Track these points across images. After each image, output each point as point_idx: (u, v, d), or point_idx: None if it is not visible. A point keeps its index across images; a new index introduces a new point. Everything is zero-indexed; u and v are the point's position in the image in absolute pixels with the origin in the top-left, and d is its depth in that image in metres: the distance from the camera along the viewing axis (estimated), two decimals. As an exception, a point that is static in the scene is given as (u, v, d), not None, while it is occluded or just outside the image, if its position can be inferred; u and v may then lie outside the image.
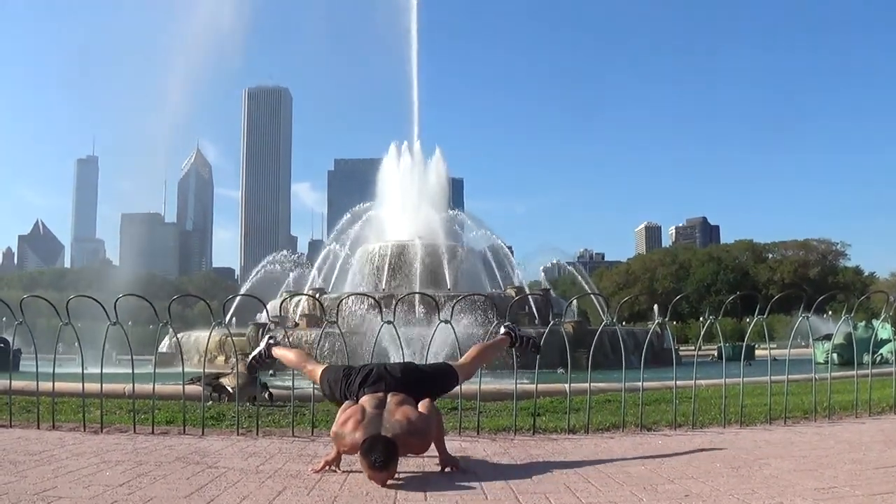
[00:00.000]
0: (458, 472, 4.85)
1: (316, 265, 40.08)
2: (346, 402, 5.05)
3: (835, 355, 16.33)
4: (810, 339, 10.81)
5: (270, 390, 10.12)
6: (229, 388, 9.55)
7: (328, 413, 6.45)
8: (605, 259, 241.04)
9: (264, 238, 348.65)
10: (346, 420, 4.81)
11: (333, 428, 4.85)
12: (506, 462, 5.41)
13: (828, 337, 23.36)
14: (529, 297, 31.47)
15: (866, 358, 16.27)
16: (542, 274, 45.86)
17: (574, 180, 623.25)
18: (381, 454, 4.47)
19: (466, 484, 4.52)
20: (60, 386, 8.73)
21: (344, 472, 4.85)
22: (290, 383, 7.97)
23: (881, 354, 24.10)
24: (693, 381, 8.25)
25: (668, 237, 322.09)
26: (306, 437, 6.36)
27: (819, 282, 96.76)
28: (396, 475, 4.69)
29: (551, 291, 38.77)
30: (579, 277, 49.22)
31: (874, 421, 7.66)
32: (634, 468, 5.05)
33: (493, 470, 5.02)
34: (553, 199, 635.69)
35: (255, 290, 35.95)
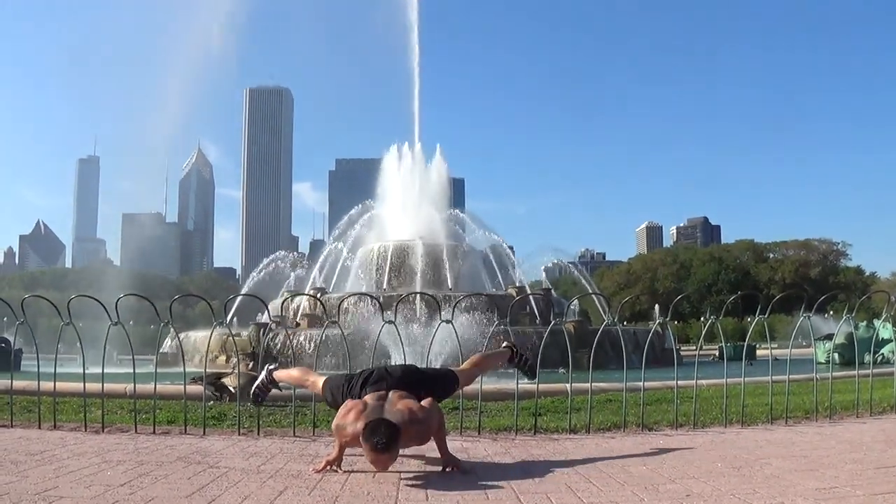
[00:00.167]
0: (460, 471, 4.85)
1: (317, 265, 40.09)
2: (348, 400, 5.06)
3: (836, 355, 16.33)
4: (811, 339, 10.79)
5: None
6: (231, 388, 9.55)
7: (329, 413, 6.45)
8: (607, 259, 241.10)
9: (265, 238, 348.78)
10: (348, 412, 4.84)
11: (335, 421, 4.87)
12: (507, 462, 5.42)
13: (829, 337, 23.41)
14: (530, 297, 31.48)
15: (867, 358, 16.26)
16: (543, 274, 45.85)
17: (575, 180, 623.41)
18: (383, 436, 4.51)
19: (468, 484, 4.52)
20: (62, 386, 8.74)
21: (345, 471, 4.85)
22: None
23: (882, 354, 24.11)
24: (694, 381, 8.26)
25: (669, 237, 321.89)
26: (308, 437, 6.37)
27: (820, 282, 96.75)
28: (398, 476, 4.69)
29: (552, 291, 38.78)
30: (580, 277, 49.20)
31: (875, 421, 7.66)
32: (636, 468, 5.05)
33: (495, 470, 5.02)
34: (554, 198, 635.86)
35: (256, 290, 35.96)
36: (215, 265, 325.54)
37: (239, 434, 6.84)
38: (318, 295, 28.89)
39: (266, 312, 11.66)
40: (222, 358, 26.05)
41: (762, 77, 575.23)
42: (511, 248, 42.22)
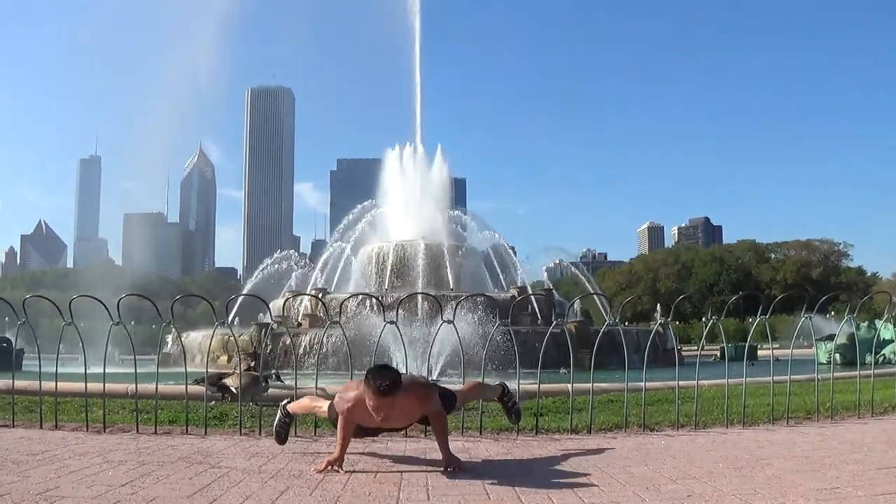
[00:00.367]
0: (461, 471, 4.86)
1: (318, 265, 40.07)
2: None
3: (837, 355, 16.29)
4: (813, 340, 10.82)
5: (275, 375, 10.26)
6: (233, 389, 9.56)
7: (327, 397, 6.45)
8: (608, 259, 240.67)
9: (267, 238, 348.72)
10: (348, 387, 5.05)
11: (336, 396, 5.01)
12: (509, 462, 5.42)
13: (830, 337, 23.37)
14: (532, 297, 31.47)
15: (869, 358, 16.28)
16: (545, 274, 45.83)
17: (576, 180, 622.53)
18: (386, 379, 4.63)
19: (469, 484, 4.52)
20: (63, 386, 8.76)
21: (347, 472, 4.85)
22: (291, 383, 7.98)
23: (884, 355, 24.09)
24: (696, 382, 8.25)
25: (670, 237, 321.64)
26: (309, 438, 6.37)
27: (822, 282, 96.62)
28: (399, 476, 4.69)
29: (554, 292, 38.73)
30: (582, 278, 49.18)
31: (877, 421, 7.66)
32: (637, 468, 5.05)
33: (496, 470, 5.02)
34: (556, 199, 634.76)
35: (257, 290, 35.96)
36: (217, 265, 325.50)
37: (240, 434, 6.85)
38: (320, 295, 28.88)
39: (267, 313, 11.66)
40: (224, 358, 26.04)
41: (763, 77, 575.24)
42: (513, 248, 42.19)
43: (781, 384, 8.27)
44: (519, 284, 36.19)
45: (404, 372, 5.26)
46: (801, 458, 5.40)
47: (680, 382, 8.20)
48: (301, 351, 25.02)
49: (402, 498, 4.16)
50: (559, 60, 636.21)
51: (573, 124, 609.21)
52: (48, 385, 7.75)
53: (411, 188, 44.07)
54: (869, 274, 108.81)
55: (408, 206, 42.97)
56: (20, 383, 8.57)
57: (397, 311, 7.64)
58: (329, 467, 4.87)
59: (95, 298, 7.53)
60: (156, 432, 6.89)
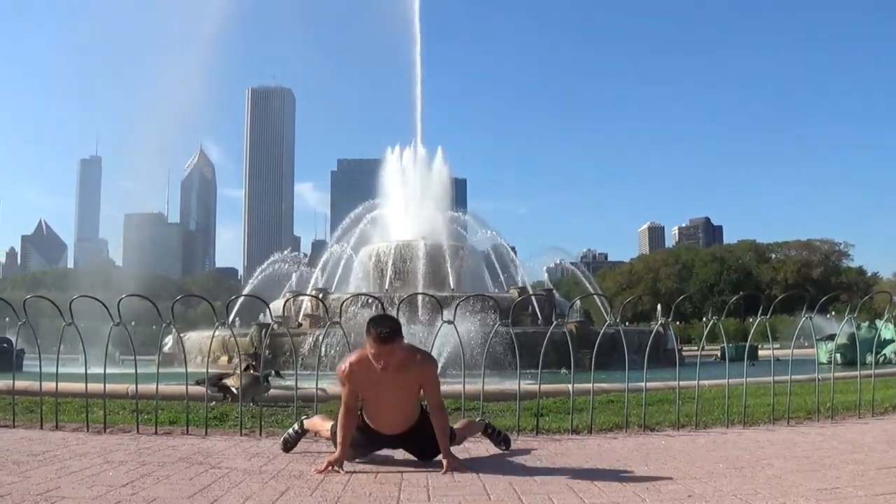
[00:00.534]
0: (462, 472, 4.86)
1: (319, 265, 40.05)
2: None
3: (838, 355, 16.29)
4: (813, 340, 10.82)
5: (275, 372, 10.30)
6: (233, 389, 9.56)
7: (331, 414, 6.46)
8: (609, 259, 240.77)
9: (267, 238, 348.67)
10: (347, 357, 5.22)
11: (337, 370, 5.15)
12: (509, 462, 5.42)
13: (831, 337, 23.35)
14: (532, 297, 31.45)
15: (869, 358, 16.27)
16: (545, 274, 45.80)
17: (577, 180, 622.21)
18: (387, 326, 4.83)
19: (470, 484, 4.52)
20: (63, 386, 8.76)
21: (347, 472, 4.86)
22: (292, 383, 7.98)
23: (884, 355, 24.08)
24: (696, 382, 8.25)
25: (671, 237, 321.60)
26: (310, 438, 6.36)
27: (822, 282, 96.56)
28: (399, 476, 4.69)
29: (554, 292, 38.72)
30: (582, 278, 49.12)
31: (877, 421, 7.66)
32: (638, 468, 5.06)
33: (497, 470, 5.02)
34: (556, 199, 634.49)
35: (258, 291, 35.95)
36: (217, 265, 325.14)
37: (241, 435, 6.85)
38: (320, 295, 28.87)
39: (268, 313, 11.65)
40: (224, 358, 26.04)
41: (763, 77, 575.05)
42: (513, 248, 42.22)
43: (782, 384, 8.27)
44: (519, 285, 36.17)
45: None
46: (801, 459, 5.40)
47: (680, 383, 8.20)
48: (306, 350, 25.00)
49: (402, 498, 4.16)
50: (559, 60, 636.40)
51: (573, 124, 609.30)
52: (49, 385, 7.76)
53: (412, 188, 44.05)
54: (869, 274, 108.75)
55: (408, 207, 42.95)
56: (21, 384, 8.57)
57: (398, 311, 7.63)
58: (330, 468, 4.87)
59: (96, 299, 7.54)
60: (156, 433, 6.89)
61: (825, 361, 20.27)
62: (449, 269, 35.28)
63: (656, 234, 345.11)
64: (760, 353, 31.21)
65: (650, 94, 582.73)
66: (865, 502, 3.94)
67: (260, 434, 6.85)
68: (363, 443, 5.30)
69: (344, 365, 5.12)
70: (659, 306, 75.26)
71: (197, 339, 28.44)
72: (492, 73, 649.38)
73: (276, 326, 24.48)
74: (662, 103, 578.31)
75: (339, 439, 5.09)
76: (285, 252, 47.52)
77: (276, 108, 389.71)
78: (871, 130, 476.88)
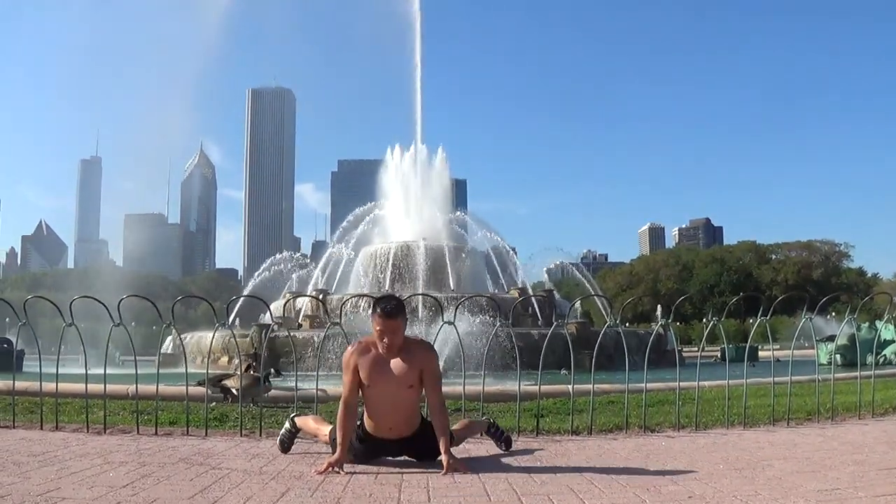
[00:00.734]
0: (462, 473, 4.86)
1: (319, 266, 40.04)
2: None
3: (838, 356, 16.31)
4: (813, 341, 10.82)
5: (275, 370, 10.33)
6: (233, 390, 9.56)
7: (331, 415, 6.46)
8: (609, 260, 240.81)
9: (268, 239, 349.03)
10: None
11: (344, 357, 5.24)
12: (509, 463, 5.42)
13: (831, 338, 23.35)
14: (533, 298, 31.45)
15: (869, 359, 16.26)
16: (546, 275, 45.76)
17: (577, 181, 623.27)
18: (391, 302, 5.00)
19: (470, 485, 4.52)
20: (64, 387, 8.76)
21: (347, 473, 4.85)
22: (292, 384, 7.98)
23: (884, 355, 24.08)
24: (696, 383, 8.25)
25: (671, 238, 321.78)
26: (310, 439, 6.36)
27: (822, 283, 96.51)
28: (400, 476, 4.69)
29: (555, 293, 38.68)
30: (583, 279, 49.09)
31: (877, 422, 7.66)
32: (638, 469, 5.06)
33: (497, 471, 5.02)
34: (556, 199, 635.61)
35: (258, 291, 35.98)
36: (217, 266, 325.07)
37: (241, 435, 6.85)
38: (320, 296, 28.88)
39: (268, 313, 11.66)
40: (224, 359, 26.05)
41: (764, 77, 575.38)
42: (513, 249, 42.20)
43: (782, 385, 8.27)
44: (520, 285, 36.18)
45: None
46: (801, 460, 5.40)
47: (681, 384, 8.19)
48: (307, 352, 24.99)
49: (402, 499, 4.16)
50: (559, 60, 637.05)
51: (573, 124, 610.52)
52: (49, 386, 7.75)
53: (412, 189, 44.05)
54: (870, 275, 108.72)
55: (408, 207, 42.96)
56: (21, 384, 8.58)
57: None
58: (330, 469, 4.87)
59: (96, 299, 7.54)
60: (156, 433, 6.89)
61: (825, 362, 20.27)
62: (449, 270, 35.27)
63: (656, 234, 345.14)
64: (761, 354, 31.22)
65: (650, 94, 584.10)
66: (865, 503, 3.94)
67: (260, 435, 6.85)
68: (362, 452, 5.30)
69: (350, 347, 5.25)
70: (659, 307, 75.10)
71: (197, 339, 28.44)
72: (492, 73, 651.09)
73: (275, 327, 24.53)
74: (662, 103, 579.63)
75: (338, 440, 5.09)
76: (285, 253, 47.46)
77: (277, 108, 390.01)
78: (871, 131, 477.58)
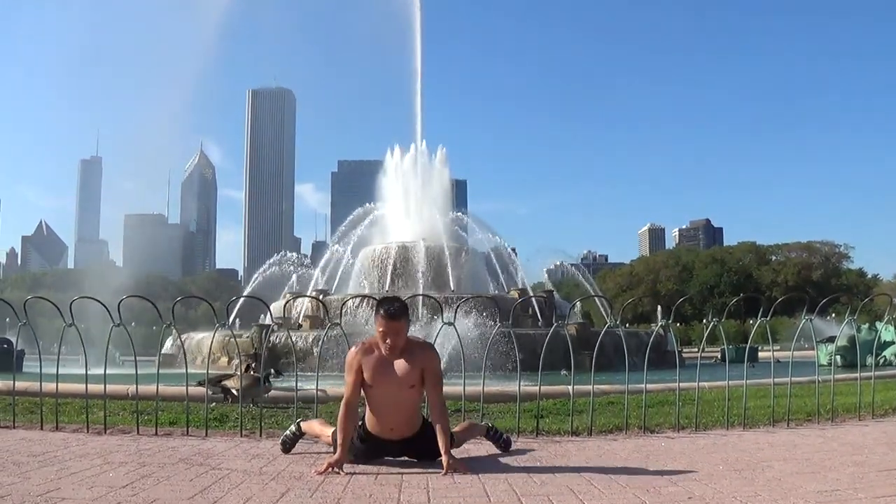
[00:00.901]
0: (462, 473, 4.86)
1: (319, 266, 40.04)
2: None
3: (838, 357, 16.31)
4: (813, 342, 10.82)
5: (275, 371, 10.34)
6: (233, 391, 9.56)
7: (331, 415, 6.47)
8: (609, 261, 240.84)
9: (268, 239, 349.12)
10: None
11: (346, 358, 5.29)
12: (509, 464, 5.42)
13: (831, 339, 23.36)
14: (533, 299, 31.44)
15: (869, 360, 16.27)
16: (546, 276, 45.76)
17: (577, 182, 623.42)
18: (394, 303, 5.03)
19: (470, 485, 4.52)
20: (64, 387, 8.75)
21: (347, 473, 4.86)
22: (291, 383, 7.99)
23: (884, 356, 24.08)
24: (696, 384, 8.25)
25: (671, 239, 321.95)
26: (310, 440, 6.36)
27: (822, 284, 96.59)
28: (400, 477, 4.69)
29: (555, 293, 38.68)
30: (583, 279, 49.11)
31: (877, 423, 7.66)
32: (637, 470, 5.06)
33: (497, 471, 5.02)
34: (556, 200, 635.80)
35: (258, 292, 35.95)
36: (217, 266, 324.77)
37: (241, 436, 6.85)
38: (320, 297, 28.88)
39: (268, 314, 11.65)
40: (224, 359, 26.04)
41: (764, 78, 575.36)
42: (513, 249, 42.14)
43: (782, 386, 8.28)
44: (520, 286, 36.17)
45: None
46: (801, 461, 5.40)
47: (680, 384, 8.20)
48: (306, 351, 24.99)
49: (402, 499, 4.16)
50: (559, 60, 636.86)
51: (573, 124, 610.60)
52: (49, 386, 7.76)
53: (412, 190, 44.03)
54: (870, 276, 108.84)
55: (408, 208, 42.95)
56: (21, 384, 8.58)
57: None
58: (330, 469, 4.88)
59: (96, 300, 7.54)
60: (156, 434, 6.89)
61: (825, 363, 20.26)
62: (449, 271, 35.27)
63: (656, 235, 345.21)
64: (760, 354, 31.25)
65: (650, 94, 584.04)
66: (865, 504, 3.95)
67: (260, 435, 6.85)
68: (363, 452, 5.33)
69: (354, 347, 5.27)
70: (659, 308, 75.16)
71: (198, 340, 28.44)
72: (492, 73, 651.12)
73: (275, 328, 24.52)
74: (662, 103, 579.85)
75: (338, 440, 5.10)
76: (285, 253, 47.46)
77: (277, 109, 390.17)
78: (871, 131, 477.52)
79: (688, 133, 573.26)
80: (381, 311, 5.04)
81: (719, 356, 29.38)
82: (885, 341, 24.48)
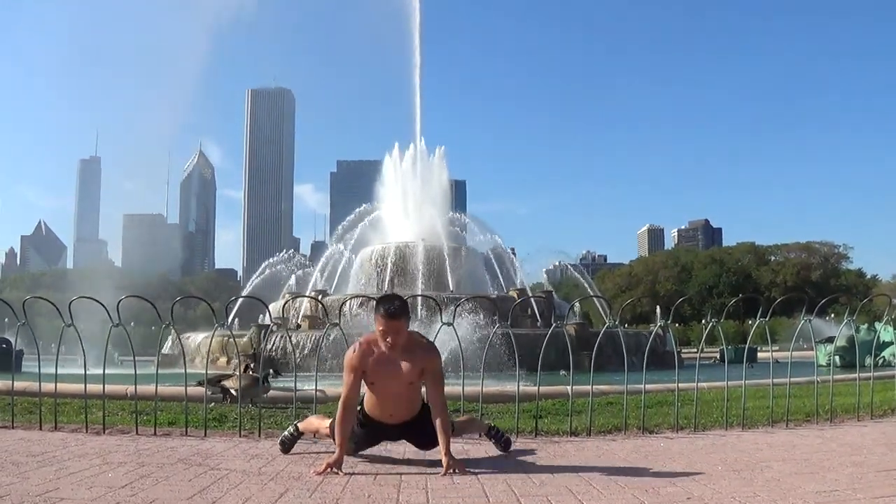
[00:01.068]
0: (461, 474, 4.86)
1: (318, 267, 40.06)
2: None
3: (837, 358, 16.30)
4: (812, 342, 10.81)
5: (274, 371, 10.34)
6: (232, 391, 9.56)
7: (330, 416, 6.46)
8: (608, 261, 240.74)
9: (267, 239, 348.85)
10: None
11: (346, 356, 5.26)
12: (508, 464, 5.42)
13: (830, 339, 23.38)
14: (532, 299, 31.44)
15: (868, 360, 16.30)
16: (545, 276, 45.85)
17: (577, 182, 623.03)
18: (396, 303, 5.00)
19: (468, 486, 4.52)
20: (63, 387, 8.75)
21: (346, 474, 4.86)
22: (291, 384, 7.98)
23: (883, 357, 24.10)
24: (695, 384, 8.26)
25: (670, 239, 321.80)
26: (309, 440, 6.36)
27: (821, 284, 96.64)
28: (399, 478, 4.69)
29: (554, 294, 38.70)
30: (582, 280, 49.13)
31: (876, 424, 7.67)
32: (636, 471, 5.06)
33: (496, 472, 5.02)
34: (555, 200, 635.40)
35: (257, 292, 35.95)
36: (216, 266, 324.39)
37: (240, 436, 6.85)
38: (319, 297, 28.87)
39: (267, 314, 11.64)
40: (223, 359, 26.04)
41: (763, 78, 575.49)
42: (512, 249, 42.16)
43: (781, 387, 8.27)
44: (519, 286, 36.18)
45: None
46: (800, 461, 5.40)
47: (679, 385, 8.20)
48: (305, 352, 24.99)
49: (401, 500, 4.16)
50: (559, 60, 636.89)
51: (573, 124, 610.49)
52: (48, 386, 7.75)
53: (411, 190, 44.05)
54: (869, 276, 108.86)
55: (407, 208, 42.97)
56: (20, 384, 8.56)
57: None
58: (328, 469, 4.88)
59: (95, 300, 7.53)
60: (155, 434, 6.89)
61: (824, 364, 20.29)
62: (448, 271, 35.27)
63: (655, 236, 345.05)
64: (759, 355, 31.21)
65: (650, 94, 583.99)
66: (864, 505, 3.95)
67: (259, 435, 6.85)
68: (363, 437, 5.39)
69: (353, 346, 5.25)
70: (658, 308, 75.15)
71: (197, 340, 28.44)
72: (492, 73, 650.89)
73: (274, 328, 24.52)
74: (662, 103, 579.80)
75: (337, 440, 5.10)
76: (284, 253, 47.46)
77: (276, 109, 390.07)
78: (871, 132, 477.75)
79: (687, 133, 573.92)
80: (381, 310, 5.02)
81: (718, 356, 29.41)
82: (883, 342, 24.49)
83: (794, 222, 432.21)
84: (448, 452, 5.02)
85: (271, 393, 10.08)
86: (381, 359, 5.14)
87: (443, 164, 46.11)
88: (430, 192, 44.07)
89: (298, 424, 5.92)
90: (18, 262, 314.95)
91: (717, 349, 30.58)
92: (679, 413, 7.45)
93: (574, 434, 7.00)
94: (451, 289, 33.66)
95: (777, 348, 11.13)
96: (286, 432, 5.91)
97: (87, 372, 7.42)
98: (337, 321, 7.69)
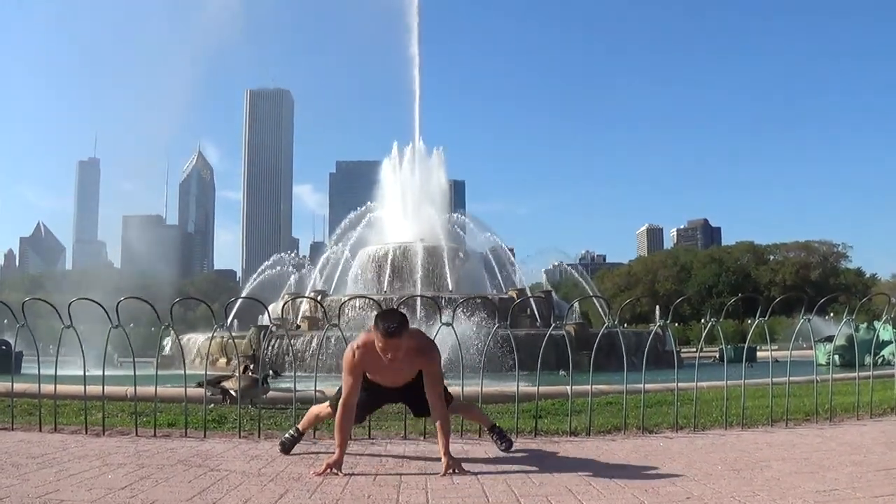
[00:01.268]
0: (461, 474, 4.86)
1: (317, 267, 40.08)
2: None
3: (836, 357, 16.31)
4: (812, 341, 10.81)
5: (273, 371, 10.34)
6: (232, 392, 9.56)
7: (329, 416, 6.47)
8: (607, 261, 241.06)
9: (266, 240, 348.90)
10: (354, 343, 5.31)
11: (346, 352, 5.28)
12: (508, 464, 5.42)
13: (829, 339, 23.37)
14: (531, 299, 31.46)
15: (868, 360, 16.29)
16: (544, 276, 45.91)
17: (576, 182, 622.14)
18: (394, 321, 4.95)
19: (468, 486, 4.53)
20: (62, 388, 8.73)
21: (346, 474, 4.86)
22: (291, 385, 7.98)
23: (882, 356, 24.09)
24: (695, 384, 8.26)
25: (669, 239, 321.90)
26: (308, 440, 6.37)
27: (820, 283, 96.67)
28: (398, 478, 4.69)
29: (553, 294, 38.72)
30: (581, 279, 49.16)
31: (875, 423, 7.67)
32: (636, 470, 5.06)
33: (495, 472, 5.02)
34: (555, 200, 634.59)
35: (256, 293, 35.97)
36: (216, 267, 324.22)
37: (240, 437, 6.85)
38: (319, 297, 28.87)
39: (266, 315, 11.62)
40: (223, 360, 26.05)
41: (763, 78, 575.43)
42: (511, 250, 42.22)
43: (780, 386, 8.28)
44: (518, 286, 36.20)
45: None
46: (799, 460, 5.40)
47: (679, 384, 8.20)
48: (306, 352, 24.99)
49: (401, 500, 4.17)
50: (559, 60, 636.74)
51: (573, 124, 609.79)
52: (47, 388, 7.74)
53: (410, 190, 44.06)
54: (868, 275, 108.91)
55: (406, 208, 42.98)
56: (19, 386, 8.56)
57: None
58: (328, 470, 4.88)
59: (94, 301, 7.53)
60: (155, 435, 6.89)
61: (823, 363, 20.30)
62: (447, 271, 35.29)
63: (655, 235, 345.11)
64: (759, 354, 31.25)
65: (650, 94, 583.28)
66: (863, 504, 3.95)
67: (258, 436, 6.85)
68: (365, 401, 5.44)
69: (353, 348, 5.25)
70: (657, 308, 75.24)
71: (196, 341, 28.44)
72: (492, 73, 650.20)
73: (273, 328, 24.52)
74: (662, 103, 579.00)
75: (337, 441, 5.11)
76: (284, 254, 47.46)
77: (275, 109, 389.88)
78: (870, 131, 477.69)
79: (687, 133, 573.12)
80: (381, 329, 4.99)
81: (718, 356, 29.40)
82: (883, 341, 24.49)
83: (794, 222, 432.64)
84: (447, 452, 5.02)
85: (271, 394, 10.08)
86: (380, 362, 5.16)
87: (442, 164, 46.15)
88: (429, 193, 44.09)
89: (299, 426, 5.94)
90: (17, 264, 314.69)
91: (717, 348, 30.61)
92: (678, 413, 7.46)
93: (574, 434, 7.00)
94: (451, 289, 33.67)
95: (776, 347, 11.14)
96: (287, 435, 5.92)
97: (87, 373, 7.41)
98: (336, 322, 7.69)
